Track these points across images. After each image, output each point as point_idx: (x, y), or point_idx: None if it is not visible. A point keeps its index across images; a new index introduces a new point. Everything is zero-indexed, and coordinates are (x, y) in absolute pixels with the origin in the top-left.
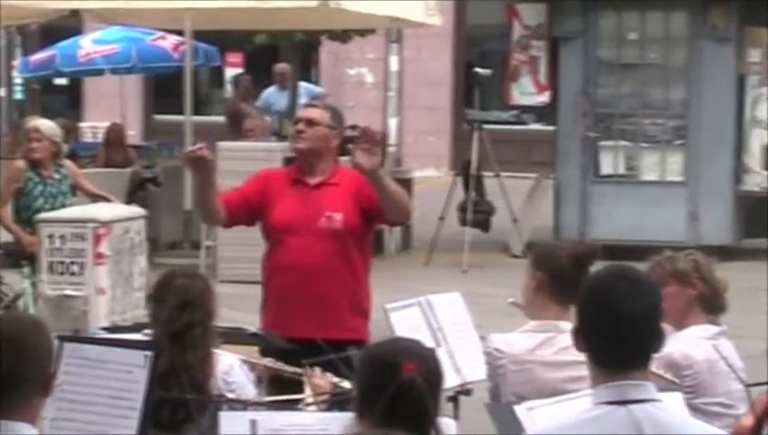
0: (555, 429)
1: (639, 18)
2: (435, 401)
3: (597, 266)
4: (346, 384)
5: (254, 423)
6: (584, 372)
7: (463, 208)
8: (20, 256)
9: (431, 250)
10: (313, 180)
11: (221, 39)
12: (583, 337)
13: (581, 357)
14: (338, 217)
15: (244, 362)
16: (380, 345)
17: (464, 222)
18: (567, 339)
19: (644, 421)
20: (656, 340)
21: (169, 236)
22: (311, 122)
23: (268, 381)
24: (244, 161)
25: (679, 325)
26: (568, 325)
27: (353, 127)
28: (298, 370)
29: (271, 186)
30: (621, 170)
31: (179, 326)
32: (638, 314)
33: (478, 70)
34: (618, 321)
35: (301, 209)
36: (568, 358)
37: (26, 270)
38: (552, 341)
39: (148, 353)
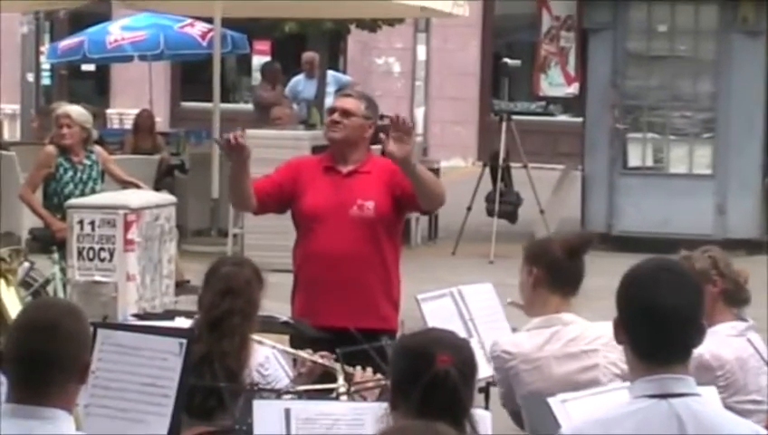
0: (597, 422)
1: (669, 10)
2: (469, 391)
3: (636, 260)
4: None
5: (287, 412)
6: (595, 360)
7: (490, 199)
8: (49, 242)
9: (458, 240)
10: (345, 169)
11: (249, 27)
12: (624, 329)
13: (590, 346)
14: (369, 205)
15: (290, 354)
16: (415, 336)
17: (491, 213)
18: (573, 330)
19: (684, 415)
20: (697, 334)
21: (196, 223)
22: (346, 113)
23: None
24: (272, 149)
25: (707, 324)
26: (571, 317)
27: (383, 117)
28: (349, 369)
29: (301, 173)
30: (649, 163)
31: (219, 313)
32: (681, 307)
33: (507, 60)
34: (661, 314)
35: (332, 197)
36: (577, 349)
37: (56, 256)
38: (559, 334)
39: (183, 341)
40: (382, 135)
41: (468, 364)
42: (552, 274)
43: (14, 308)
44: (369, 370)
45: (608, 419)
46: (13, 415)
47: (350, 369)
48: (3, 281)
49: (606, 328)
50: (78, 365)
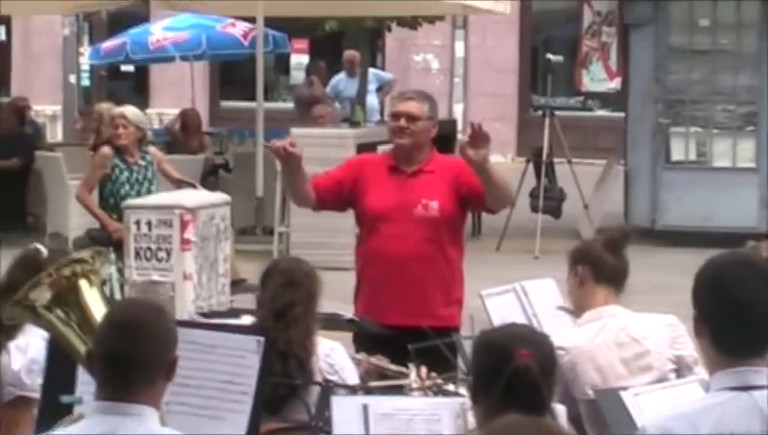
0: (681, 416)
1: (711, 5)
2: (549, 386)
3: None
4: (450, 387)
5: (365, 408)
6: (646, 346)
7: (534, 195)
8: (106, 243)
9: (502, 236)
10: (410, 168)
11: (288, 25)
12: (704, 323)
13: (639, 334)
14: (434, 205)
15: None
16: (495, 331)
17: (535, 208)
18: (621, 322)
19: (766, 407)
20: None
21: (241, 222)
22: (412, 118)
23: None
24: (317, 147)
25: None
26: (618, 309)
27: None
28: (403, 369)
29: (363, 172)
30: (692, 157)
31: (281, 305)
32: (762, 300)
33: (550, 56)
34: (743, 307)
35: (396, 197)
36: (628, 338)
37: (112, 256)
38: (609, 325)
39: (261, 339)
40: (462, 138)
41: (548, 359)
42: (597, 269)
43: (97, 308)
44: (424, 370)
45: (691, 412)
46: (101, 412)
47: (403, 369)
48: (86, 281)
49: (649, 319)
50: (164, 362)
